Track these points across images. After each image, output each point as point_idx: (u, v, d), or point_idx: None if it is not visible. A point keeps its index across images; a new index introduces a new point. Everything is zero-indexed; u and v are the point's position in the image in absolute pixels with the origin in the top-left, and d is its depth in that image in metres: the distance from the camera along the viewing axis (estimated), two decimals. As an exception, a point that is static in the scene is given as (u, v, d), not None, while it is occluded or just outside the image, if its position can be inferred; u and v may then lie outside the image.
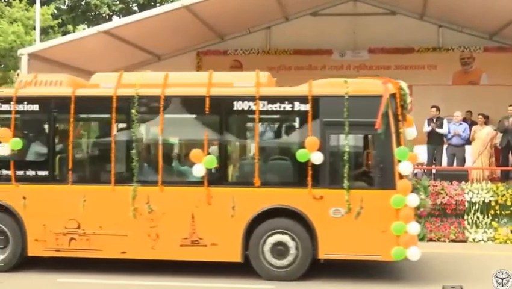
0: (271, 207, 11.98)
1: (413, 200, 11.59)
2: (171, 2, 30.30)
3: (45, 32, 37.03)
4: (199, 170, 12.04)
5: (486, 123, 20.45)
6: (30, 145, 12.93)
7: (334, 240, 11.83)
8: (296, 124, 12.52)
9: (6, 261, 12.58)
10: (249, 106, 12.19)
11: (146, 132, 13.11)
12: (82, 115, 13.18)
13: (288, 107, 12.13)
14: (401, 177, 11.60)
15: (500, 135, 19.94)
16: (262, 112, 12.15)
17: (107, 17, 41.43)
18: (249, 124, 12.87)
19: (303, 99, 12.03)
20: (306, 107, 11.98)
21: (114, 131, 12.54)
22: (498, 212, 16.68)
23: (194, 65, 24.79)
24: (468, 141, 19.91)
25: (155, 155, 12.58)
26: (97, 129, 13.67)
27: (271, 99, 12.18)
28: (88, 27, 37.96)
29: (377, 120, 11.51)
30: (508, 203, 16.60)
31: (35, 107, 12.76)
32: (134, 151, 12.23)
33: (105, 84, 12.88)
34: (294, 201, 11.94)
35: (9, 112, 12.73)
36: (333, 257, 11.98)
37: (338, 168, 11.82)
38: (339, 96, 11.83)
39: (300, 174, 11.99)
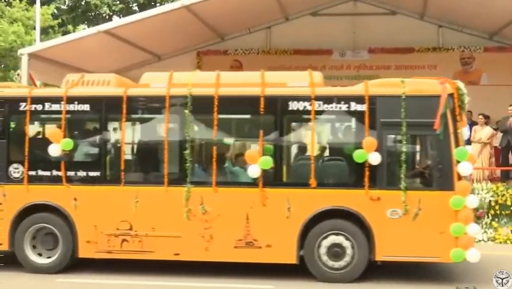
0: (327, 208, 11.33)
1: (473, 201, 11.07)
2: (171, 2, 29.45)
3: (45, 32, 36.25)
4: (254, 171, 11.38)
5: (486, 123, 19.92)
6: (81, 145, 12.25)
7: (391, 242, 11.20)
8: (352, 124, 11.81)
9: (56, 262, 11.97)
10: (304, 107, 11.54)
11: (199, 132, 12.31)
12: (134, 115, 12.50)
13: (344, 107, 11.48)
14: (460, 178, 11.02)
15: (500, 135, 19.55)
16: (317, 112, 11.51)
17: (107, 17, 40.52)
18: (304, 125, 12.13)
19: (359, 99, 11.40)
20: (363, 107, 11.36)
21: (167, 131, 11.76)
22: (498, 212, 16.29)
23: (194, 65, 23.86)
24: (468, 141, 19.38)
25: (208, 155, 11.83)
26: (149, 129, 12.77)
27: (327, 99, 11.54)
28: (88, 27, 37.10)
29: (435, 120, 10.96)
30: (508, 203, 16.24)
31: (86, 107, 12.05)
32: (187, 151, 11.54)
33: (155, 84, 12.19)
34: (350, 202, 11.30)
35: (59, 112, 12.03)
36: (390, 259, 11.34)
37: (395, 169, 11.22)
38: (396, 96, 11.22)
39: (356, 175, 11.35)
